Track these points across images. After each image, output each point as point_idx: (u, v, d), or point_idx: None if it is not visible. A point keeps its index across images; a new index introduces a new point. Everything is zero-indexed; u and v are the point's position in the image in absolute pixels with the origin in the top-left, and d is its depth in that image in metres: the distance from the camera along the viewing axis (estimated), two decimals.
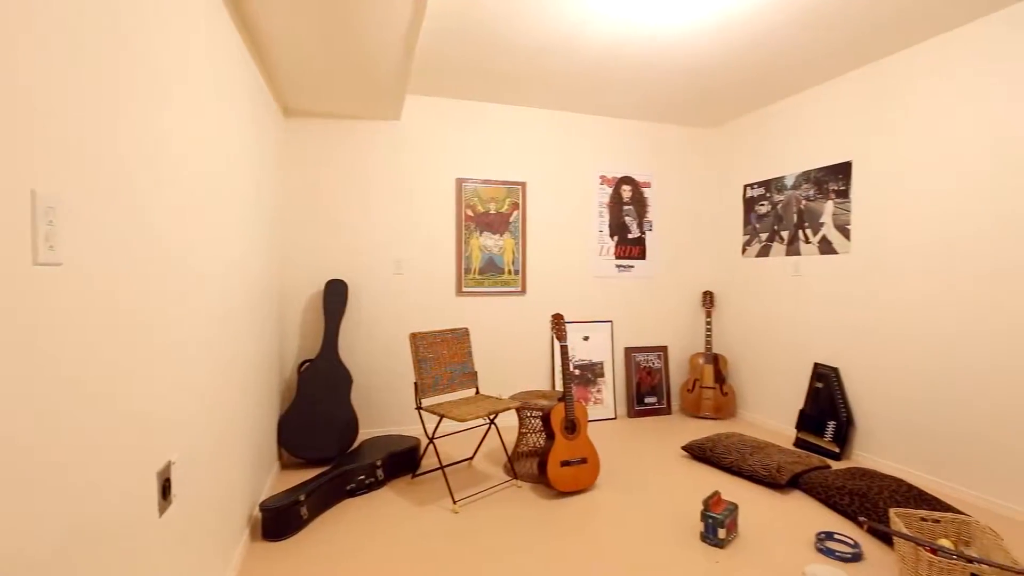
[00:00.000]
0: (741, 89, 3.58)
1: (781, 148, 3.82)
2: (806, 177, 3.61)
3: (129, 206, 1.07)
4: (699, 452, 3.20)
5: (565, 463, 2.67)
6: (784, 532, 2.33)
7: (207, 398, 1.63)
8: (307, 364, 3.25)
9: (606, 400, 4.11)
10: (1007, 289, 2.52)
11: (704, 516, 2.23)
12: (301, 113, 3.40)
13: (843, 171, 3.34)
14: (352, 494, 2.69)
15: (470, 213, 3.80)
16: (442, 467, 2.67)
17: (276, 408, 3.01)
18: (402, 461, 2.97)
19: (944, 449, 2.79)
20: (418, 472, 3.01)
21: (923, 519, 2.06)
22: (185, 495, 1.42)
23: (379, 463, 2.81)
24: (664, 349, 4.36)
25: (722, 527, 2.19)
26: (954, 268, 2.74)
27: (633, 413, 4.18)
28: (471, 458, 3.18)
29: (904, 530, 1.95)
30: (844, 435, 3.24)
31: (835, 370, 3.37)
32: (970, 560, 1.71)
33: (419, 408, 2.72)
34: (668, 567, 2.05)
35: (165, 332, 1.28)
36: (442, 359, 2.94)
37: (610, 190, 4.21)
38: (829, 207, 3.43)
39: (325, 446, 3.05)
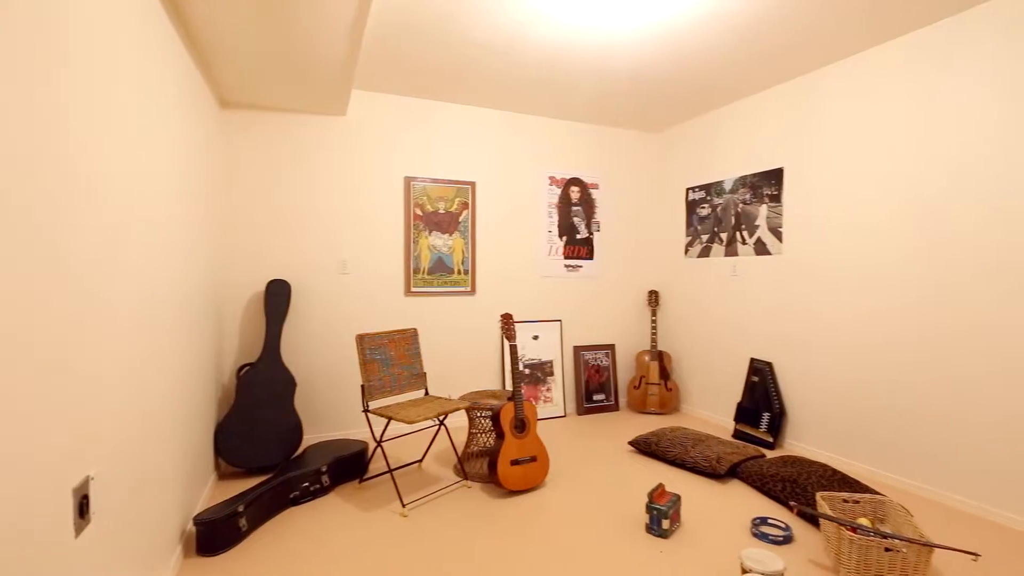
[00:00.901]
0: (683, 96, 3.72)
1: (720, 153, 4.00)
2: (743, 182, 3.80)
3: (18, 205, 0.97)
4: (645, 446, 3.30)
5: (515, 462, 2.69)
6: (723, 519, 2.44)
7: (131, 407, 1.53)
8: (247, 368, 3.11)
9: (556, 398, 4.16)
10: (920, 290, 2.75)
11: (649, 508, 2.30)
12: (239, 105, 3.24)
13: (776, 177, 3.54)
14: (296, 502, 2.59)
15: (419, 212, 3.75)
16: (390, 470, 2.62)
17: (213, 415, 2.86)
18: (349, 466, 2.89)
19: (865, 436, 3.01)
20: (366, 477, 2.94)
21: (845, 500, 2.22)
22: (106, 512, 1.32)
23: (324, 469, 2.73)
24: (612, 347, 4.47)
25: (666, 518, 2.26)
26: (875, 270, 2.97)
27: (582, 410, 4.26)
28: (420, 460, 3.14)
29: (829, 512, 2.09)
30: (777, 426, 3.44)
31: (769, 365, 3.57)
32: (884, 536, 1.86)
33: (366, 411, 2.66)
34: (614, 559, 2.10)
35: (79, 333, 1.19)
36: (390, 360, 2.88)
37: (559, 191, 4.27)
38: (763, 211, 3.63)
39: (267, 453, 2.92)
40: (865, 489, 2.57)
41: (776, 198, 3.54)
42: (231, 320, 3.25)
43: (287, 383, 3.09)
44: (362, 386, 2.71)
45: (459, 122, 3.91)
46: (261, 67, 2.65)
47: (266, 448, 2.93)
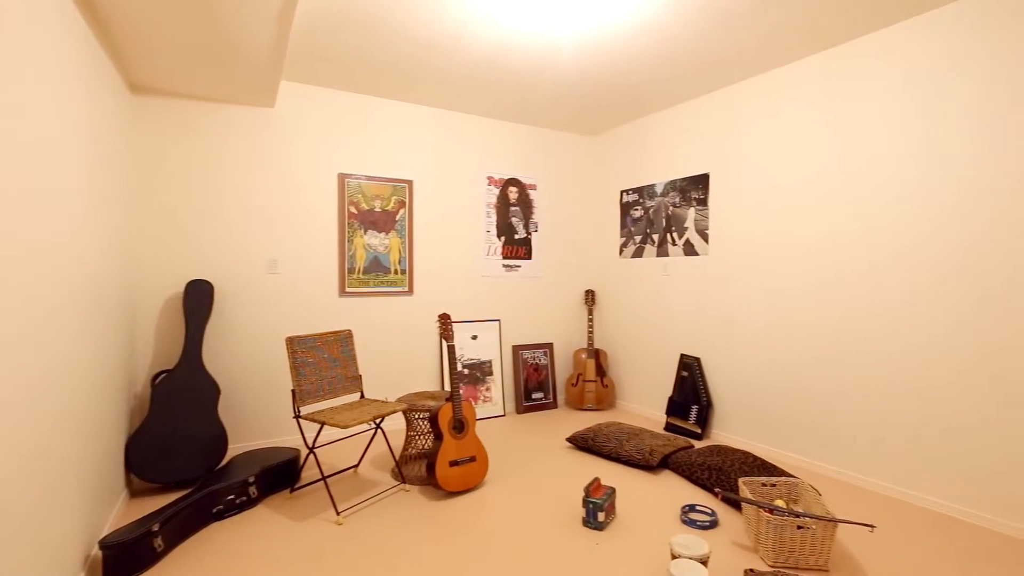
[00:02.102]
0: (617, 101, 3.85)
1: (652, 158, 4.17)
2: (673, 186, 3.98)
3: None
4: (582, 442, 3.38)
5: (454, 463, 2.67)
6: (655, 509, 2.55)
7: (19, 426, 1.37)
8: (163, 375, 2.88)
9: (495, 398, 4.18)
10: (834, 291, 3.00)
11: (585, 502, 2.36)
12: (153, 91, 3.00)
13: (703, 182, 3.74)
14: (220, 517, 2.43)
15: (354, 211, 3.64)
16: (324, 477, 2.52)
17: (124, 428, 2.63)
18: (279, 475, 2.76)
19: (781, 423, 3.24)
20: (297, 485, 2.82)
21: (764, 484, 2.38)
22: None
23: (252, 479, 2.58)
24: (550, 346, 4.54)
25: (601, 511, 2.33)
26: (791, 270, 3.20)
27: (522, 409, 4.30)
28: (356, 465, 3.05)
29: (749, 496, 2.23)
30: (705, 417, 3.63)
31: (697, 360, 3.76)
32: (797, 515, 2.01)
33: (297, 416, 2.54)
34: (552, 554, 2.13)
35: None
36: (323, 363, 2.78)
37: (497, 191, 4.29)
38: (692, 213, 3.82)
39: (186, 466, 2.73)
40: (781, 473, 2.78)
41: (703, 202, 3.74)
42: (145, 324, 3.00)
43: (209, 390, 2.90)
44: (292, 391, 2.59)
45: (396, 119, 3.83)
46: (175, 51, 2.46)
47: (186, 460, 2.73)
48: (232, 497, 2.48)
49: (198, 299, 3.00)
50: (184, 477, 2.71)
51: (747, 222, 3.44)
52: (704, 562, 1.93)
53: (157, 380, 2.89)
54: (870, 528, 1.92)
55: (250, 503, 2.56)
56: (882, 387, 2.75)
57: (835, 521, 1.95)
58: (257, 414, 3.37)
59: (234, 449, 3.29)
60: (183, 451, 2.73)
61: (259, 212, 3.34)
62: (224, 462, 3.02)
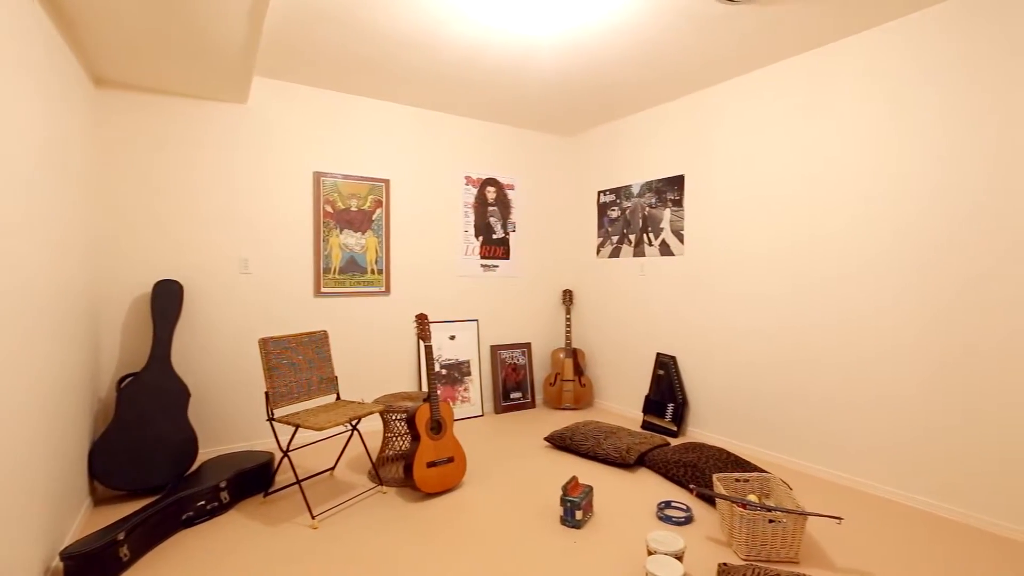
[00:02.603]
0: (594, 102, 3.88)
1: (629, 159, 4.22)
2: (649, 187, 4.03)
3: None
4: (560, 441, 3.40)
5: (432, 464, 2.65)
6: (632, 506, 2.58)
7: None
8: (129, 379, 2.79)
9: (473, 398, 4.17)
10: (805, 294, 3.08)
11: (563, 500, 2.37)
12: (119, 85, 2.91)
13: (678, 183, 3.80)
14: (190, 523, 2.37)
15: (329, 209, 3.58)
16: (298, 481, 2.48)
17: (87, 434, 2.54)
18: (252, 479, 2.70)
19: (754, 420, 3.32)
20: (271, 490, 2.76)
21: (737, 480, 2.43)
22: None
23: (223, 484, 2.52)
24: (528, 346, 4.56)
25: (579, 509, 2.34)
26: (764, 271, 3.28)
27: (500, 409, 4.30)
28: (332, 468, 3.01)
29: (723, 491, 2.28)
30: (680, 415, 3.69)
31: (673, 358, 3.82)
32: (768, 509, 2.06)
33: (271, 419, 2.49)
34: (530, 553, 2.14)
35: None
36: (297, 365, 2.73)
37: (475, 191, 4.28)
38: (667, 214, 3.88)
39: (155, 472, 2.65)
40: (754, 468, 2.84)
41: (678, 203, 3.80)
42: (111, 326, 2.90)
43: (179, 393, 2.82)
44: (266, 393, 2.54)
45: (373, 117, 3.79)
46: (141, 44, 2.39)
47: (154, 466, 2.65)
48: (203, 503, 2.42)
49: (167, 300, 2.91)
50: (152, 483, 2.63)
51: (721, 224, 3.50)
52: (679, 557, 1.96)
53: (123, 383, 2.79)
54: (838, 520, 1.98)
55: (222, 508, 2.50)
56: (850, 387, 2.83)
57: (805, 514, 2.00)
58: (229, 417, 3.29)
59: (205, 453, 3.21)
60: (151, 456, 2.65)
61: (231, 210, 3.26)
62: (194, 467, 2.94)
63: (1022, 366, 2.24)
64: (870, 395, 2.75)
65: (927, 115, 2.52)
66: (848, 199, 2.83)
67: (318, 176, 3.54)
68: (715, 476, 2.41)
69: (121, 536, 1.99)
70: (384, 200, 3.81)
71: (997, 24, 2.30)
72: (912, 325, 2.59)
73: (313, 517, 2.42)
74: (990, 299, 2.33)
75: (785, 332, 3.14)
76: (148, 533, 2.15)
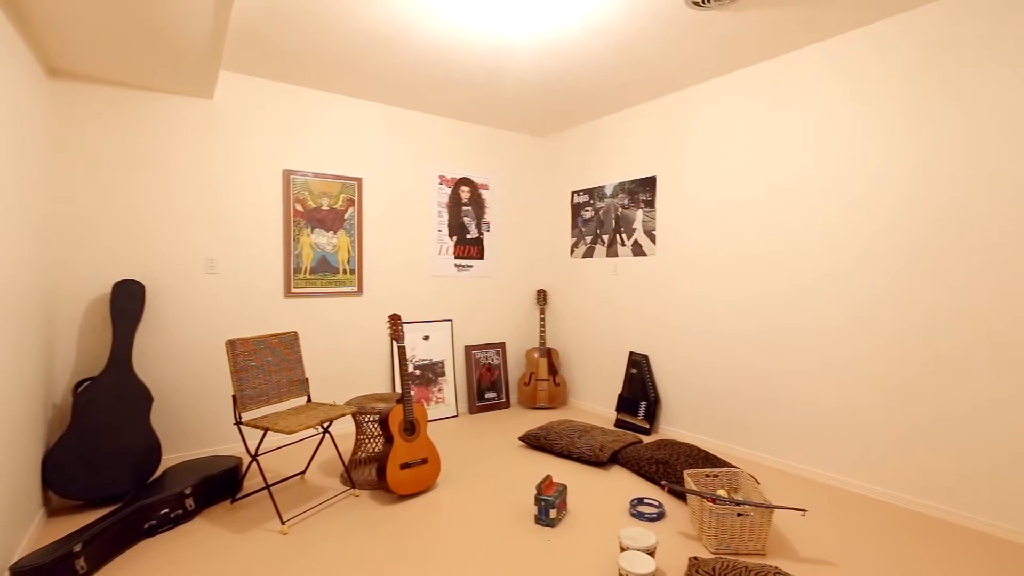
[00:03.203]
0: (568, 104, 3.91)
1: (602, 160, 4.27)
2: (622, 187, 4.09)
3: None
4: (534, 441, 3.41)
5: (405, 465, 2.62)
6: (605, 504, 2.60)
7: None
8: (87, 383, 2.68)
9: (447, 398, 4.15)
10: (776, 292, 3.16)
11: (537, 500, 2.38)
12: (75, 76, 2.78)
13: (650, 184, 3.85)
14: (152, 532, 2.28)
15: (300, 208, 3.51)
16: (268, 486, 2.42)
17: (40, 441, 2.42)
18: (220, 485, 2.62)
19: (723, 417, 3.40)
20: (239, 495, 2.69)
21: (707, 476, 2.48)
22: None
23: (188, 491, 2.44)
24: (502, 345, 4.56)
25: (553, 508, 2.36)
26: (734, 271, 3.35)
27: (474, 409, 4.29)
28: (303, 472, 2.95)
29: (693, 487, 2.32)
30: (653, 413, 3.75)
31: (645, 357, 3.88)
32: (737, 503, 2.11)
33: (239, 423, 2.43)
34: (504, 552, 2.14)
35: None
36: (267, 367, 2.66)
37: (449, 190, 4.26)
38: (640, 215, 3.94)
39: (113, 480, 2.54)
40: (723, 464, 2.90)
41: (651, 203, 3.86)
42: (66, 328, 2.78)
43: (140, 398, 2.71)
44: (234, 396, 2.47)
45: (346, 115, 3.73)
46: (99, 32, 2.29)
47: (113, 474, 2.55)
48: (166, 511, 2.34)
49: (127, 300, 2.80)
50: (112, 492, 2.53)
51: (692, 225, 3.58)
52: (651, 553, 1.99)
53: (80, 388, 2.68)
54: (802, 512, 2.05)
55: (187, 516, 2.42)
56: (814, 387, 2.93)
57: (770, 507, 2.06)
58: (195, 422, 3.19)
59: (169, 460, 3.10)
60: (110, 464, 2.55)
61: (196, 208, 3.16)
62: (157, 474, 2.84)
63: (986, 368, 2.36)
64: (837, 395, 2.85)
65: (894, 119, 2.61)
66: (817, 203, 2.92)
67: (288, 174, 3.46)
68: (686, 472, 2.45)
69: (77, 548, 1.91)
70: (356, 199, 3.75)
71: (966, 32, 2.41)
72: (879, 328, 2.69)
73: (283, 522, 2.36)
74: (957, 305, 2.44)
75: (755, 331, 3.22)
76: (107, 544, 2.07)
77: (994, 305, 2.30)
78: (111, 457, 2.56)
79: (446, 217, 4.25)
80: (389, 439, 2.63)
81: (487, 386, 4.40)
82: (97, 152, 2.86)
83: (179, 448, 3.14)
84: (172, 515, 2.36)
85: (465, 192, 4.35)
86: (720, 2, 2.42)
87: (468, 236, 4.38)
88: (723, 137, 3.37)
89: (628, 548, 2.00)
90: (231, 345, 2.51)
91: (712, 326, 3.46)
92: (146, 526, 2.26)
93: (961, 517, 2.39)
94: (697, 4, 2.44)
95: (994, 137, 2.28)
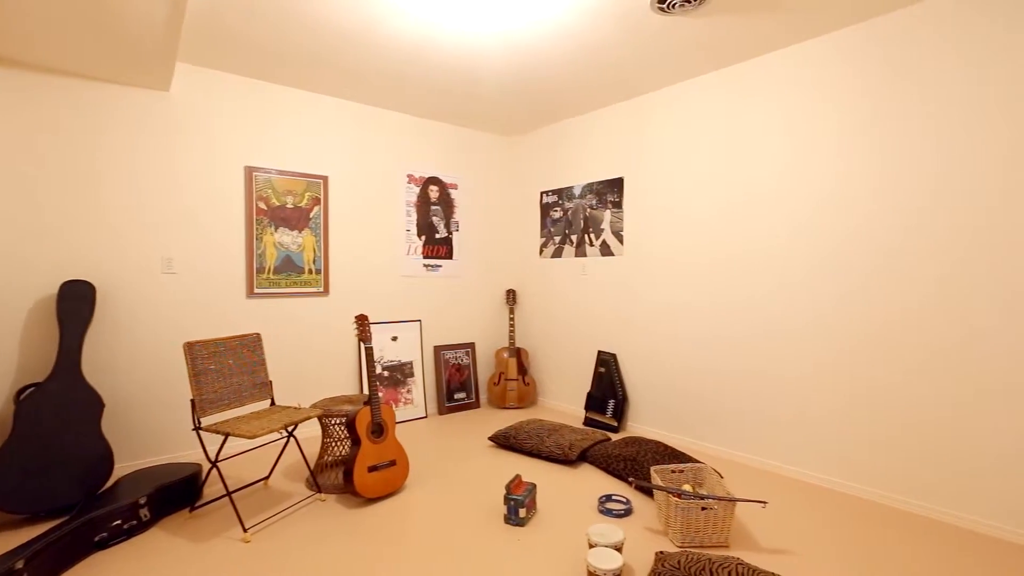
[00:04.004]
0: (537, 104, 3.93)
1: (571, 161, 4.30)
2: (590, 188, 4.13)
3: None
4: (504, 440, 3.41)
5: (373, 468, 2.58)
6: (574, 502, 2.63)
7: None
8: (31, 389, 2.53)
9: (416, 399, 4.11)
10: (740, 293, 3.25)
11: (506, 499, 2.38)
12: (15, 63, 2.63)
13: (617, 185, 3.91)
14: (104, 545, 2.18)
15: (263, 206, 3.41)
16: (229, 493, 2.34)
17: None
18: (177, 494, 2.52)
19: (689, 413, 3.48)
20: (199, 503, 2.59)
21: (673, 471, 2.53)
22: None
23: (143, 501, 2.34)
24: (472, 346, 4.54)
25: (522, 507, 2.36)
26: (698, 272, 3.43)
27: (444, 410, 4.26)
28: (267, 477, 2.86)
29: (660, 483, 2.37)
30: (621, 411, 3.81)
31: (614, 356, 3.93)
32: (701, 497, 2.17)
33: (197, 428, 2.34)
34: (473, 553, 2.13)
35: None
36: (227, 370, 2.58)
37: (418, 189, 4.22)
38: (608, 215, 3.99)
39: (61, 491, 2.41)
40: (689, 459, 2.97)
41: (618, 204, 3.91)
42: (6, 332, 2.62)
43: (90, 404, 2.58)
44: (192, 401, 2.38)
45: (311, 111, 3.64)
46: (38, 15, 2.17)
47: (61, 485, 2.42)
48: (119, 522, 2.23)
49: (75, 302, 2.66)
50: (58, 504, 2.40)
51: (658, 226, 3.65)
52: (619, 548, 2.02)
53: (22, 395, 2.53)
54: (763, 504, 2.11)
55: (141, 527, 2.32)
56: (772, 384, 3.03)
57: (733, 500, 2.12)
58: (151, 428, 3.06)
59: (123, 469, 2.96)
60: (56, 474, 2.42)
61: (152, 206, 3.03)
62: (109, 484, 2.71)
63: (949, 369, 2.49)
64: (790, 395, 2.96)
65: (858, 124, 2.71)
66: (783, 206, 3.02)
67: (250, 171, 3.36)
68: (653, 468, 2.50)
69: (20, 564, 1.80)
70: (322, 197, 3.67)
71: (929, 36, 2.54)
72: (842, 329, 2.80)
73: (245, 530, 2.29)
74: (924, 306, 2.57)
75: (720, 331, 3.31)
76: (53, 559, 1.96)
77: (962, 307, 2.43)
78: (58, 467, 2.43)
79: (415, 216, 4.20)
80: (356, 441, 2.59)
81: (456, 386, 4.37)
82: (40, 145, 2.71)
83: (134, 456, 3.01)
84: (125, 526, 2.25)
85: (434, 191, 4.32)
86: (684, 8, 2.47)
87: (437, 236, 4.35)
88: (689, 140, 3.45)
89: (596, 545, 2.02)
90: (189, 348, 2.41)
91: (678, 325, 3.53)
92: (96, 539, 2.16)
93: (916, 507, 2.52)
94: (663, 10, 2.49)
95: (958, 138, 2.39)
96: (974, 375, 2.35)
